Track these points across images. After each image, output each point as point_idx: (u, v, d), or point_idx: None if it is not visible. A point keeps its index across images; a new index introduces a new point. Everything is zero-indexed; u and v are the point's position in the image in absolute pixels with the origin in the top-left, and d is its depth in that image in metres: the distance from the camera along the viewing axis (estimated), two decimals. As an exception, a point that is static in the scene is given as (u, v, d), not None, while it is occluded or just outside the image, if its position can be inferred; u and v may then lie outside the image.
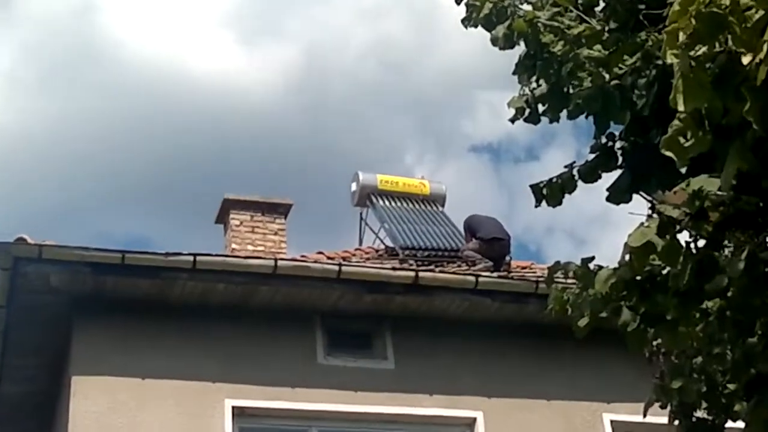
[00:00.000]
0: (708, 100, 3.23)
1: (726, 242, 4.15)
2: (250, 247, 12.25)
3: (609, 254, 4.43)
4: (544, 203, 4.76)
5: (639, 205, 4.73)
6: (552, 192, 4.68)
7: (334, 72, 26.53)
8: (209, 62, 26.28)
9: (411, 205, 13.13)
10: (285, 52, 26.92)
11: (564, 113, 4.68)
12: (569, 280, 4.82)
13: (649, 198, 4.67)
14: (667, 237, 3.84)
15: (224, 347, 9.53)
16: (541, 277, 9.78)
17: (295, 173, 24.92)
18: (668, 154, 3.36)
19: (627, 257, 4.12)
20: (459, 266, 11.35)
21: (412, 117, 28.64)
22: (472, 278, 10.00)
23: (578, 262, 4.70)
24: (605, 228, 26.07)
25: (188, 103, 24.43)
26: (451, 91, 27.50)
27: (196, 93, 24.45)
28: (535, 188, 4.74)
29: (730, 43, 3.22)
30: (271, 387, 9.44)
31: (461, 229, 12.13)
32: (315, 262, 10.08)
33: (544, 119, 4.76)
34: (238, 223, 12.54)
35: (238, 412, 9.29)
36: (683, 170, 3.88)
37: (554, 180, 4.70)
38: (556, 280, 4.96)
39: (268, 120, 25.41)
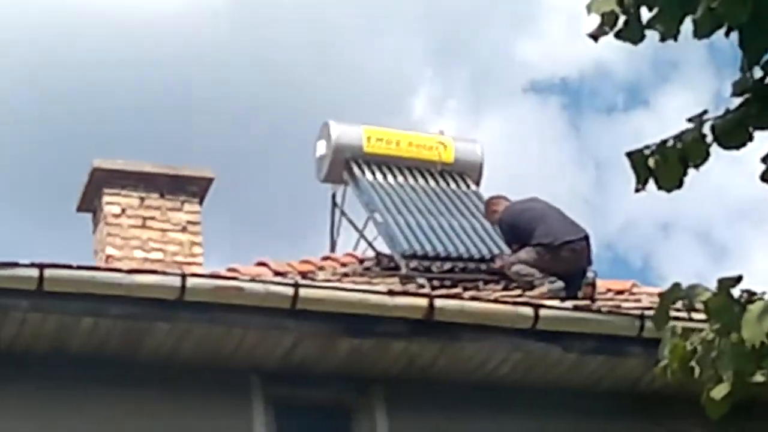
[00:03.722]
0: None
1: None
2: (138, 254, 12.29)
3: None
4: (651, 183, 4.80)
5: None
6: (666, 165, 4.72)
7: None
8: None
9: (421, 180, 13.17)
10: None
11: (687, 25, 4.72)
12: (696, 317, 4.87)
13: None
14: None
15: (96, 428, 9.57)
16: (650, 309, 9.82)
17: (222, 126, 24.82)
18: None
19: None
20: (505, 289, 11.40)
21: (426, 35, 28.67)
22: (529, 311, 10.04)
23: (712, 286, 4.75)
24: (764, 227, 26.09)
25: (49, 28, 24.50)
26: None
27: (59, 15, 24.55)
28: (637, 158, 4.78)
29: None
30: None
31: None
32: (252, 280, 10.11)
33: (652, 34, 4.79)
34: (117, 211, 12.58)
35: None
36: None
37: (670, 144, 4.74)
38: (673, 315, 5.00)
39: (179, 39, 25.41)
